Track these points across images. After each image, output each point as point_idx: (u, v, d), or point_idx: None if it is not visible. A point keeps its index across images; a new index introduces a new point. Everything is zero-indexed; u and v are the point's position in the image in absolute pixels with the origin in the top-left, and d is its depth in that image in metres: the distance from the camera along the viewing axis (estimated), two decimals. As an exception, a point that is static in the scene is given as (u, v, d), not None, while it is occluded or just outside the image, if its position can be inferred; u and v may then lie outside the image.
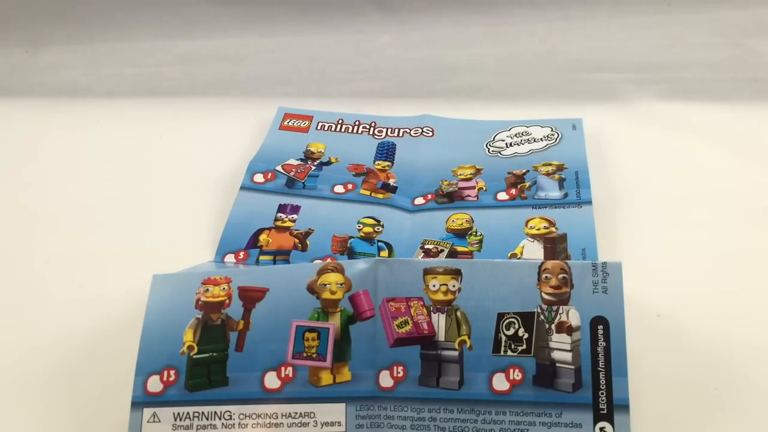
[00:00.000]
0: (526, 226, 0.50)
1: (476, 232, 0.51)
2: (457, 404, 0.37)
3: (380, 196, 0.55)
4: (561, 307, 0.37)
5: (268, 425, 0.37)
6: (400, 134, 0.61)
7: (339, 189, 0.56)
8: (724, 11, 0.73)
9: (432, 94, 0.69)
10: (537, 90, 0.68)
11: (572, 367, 0.36)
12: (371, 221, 0.53)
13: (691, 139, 0.60)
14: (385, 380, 0.38)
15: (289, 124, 0.63)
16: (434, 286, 0.38)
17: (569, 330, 0.37)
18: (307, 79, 0.72)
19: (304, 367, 0.38)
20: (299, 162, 0.58)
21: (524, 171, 0.55)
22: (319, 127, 0.62)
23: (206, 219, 0.55)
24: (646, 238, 0.50)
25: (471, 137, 0.60)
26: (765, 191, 0.54)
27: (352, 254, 0.51)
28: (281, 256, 0.51)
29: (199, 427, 0.38)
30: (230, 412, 0.38)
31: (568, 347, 0.36)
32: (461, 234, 0.51)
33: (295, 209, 0.54)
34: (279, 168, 0.57)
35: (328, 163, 0.58)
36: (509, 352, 0.37)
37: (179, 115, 0.67)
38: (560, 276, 0.37)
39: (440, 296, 0.38)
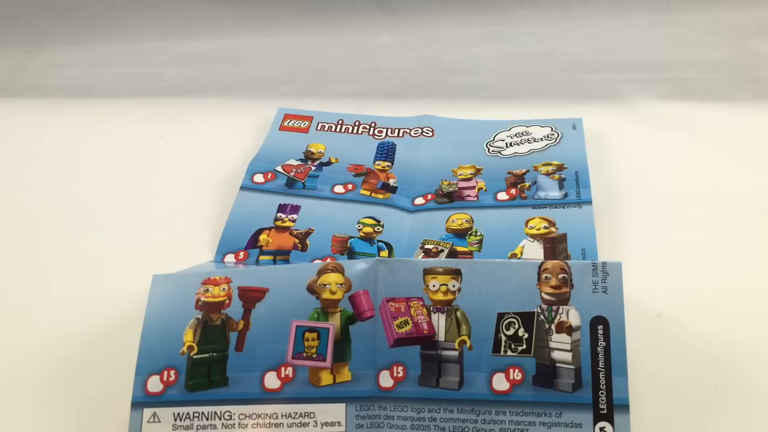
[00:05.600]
0: (526, 226, 0.50)
1: (476, 232, 0.51)
2: (457, 404, 0.37)
3: (380, 196, 0.55)
4: (561, 307, 0.37)
5: (268, 425, 0.38)
6: (400, 134, 0.61)
7: (339, 189, 0.56)
8: (724, 11, 0.73)
9: (432, 94, 0.69)
10: (537, 90, 0.68)
11: (572, 367, 0.36)
12: (371, 221, 0.53)
13: (691, 139, 0.60)
14: (385, 380, 0.38)
15: (289, 124, 0.63)
16: (434, 286, 0.38)
17: (569, 330, 0.37)
18: (307, 79, 0.72)
19: (304, 367, 0.38)
20: (299, 162, 0.58)
21: (524, 171, 0.55)
22: (319, 128, 0.62)
23: (206, 219, 0.55)
24: (646, 238, 0.50)
25: (471, 137, 0.60)
26: (765, 191, 0.54)
27: (352, 254, 0.51)
28: (281, 256, 0.51)
29: (199, 427, 0.38)
30: (230, 412, 0.38)
31: (568, 347, 0.36)
32: (461, 234, 0.51)
33: (295, 209, 0.54)
34: (279, 168, 0.57)
35: (328, 163, 0.58)
36: (509, 352, 0.37)
37: (179, 115, 0.67)
38: (560, 276, 0.37)
39: (440, 296, 0.38)
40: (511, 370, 0.37)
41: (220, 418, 0.38)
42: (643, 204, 0.53)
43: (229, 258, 0.51)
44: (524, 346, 0.37)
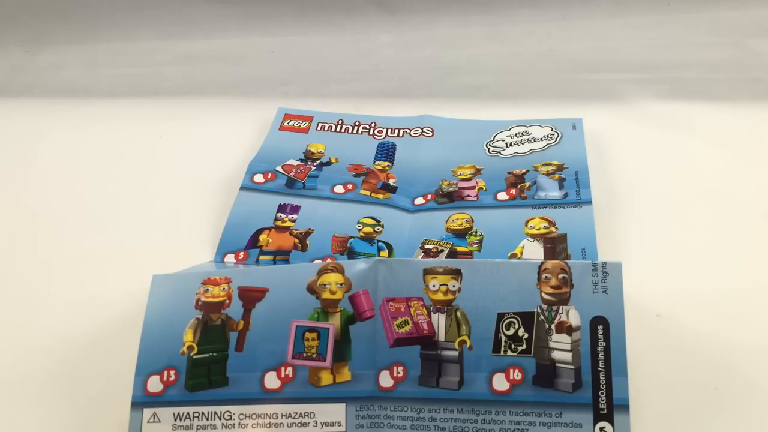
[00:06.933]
0: (526, 226, 0.50)
1: (476, 232, 0.51)
2: (457, 404, 0.37)
3: (380, 196, 0.55)
4: (561, 307, 0.37)
5: (268, 425, 0.38)
6: (400, 134, 0.61)
7: (339, 189, 0.56)
8: (724, 11, 0.73)
9: (432, 94, 0.69)
10: (537, 90, 0.68)
11: (572, 367, 0.36)
12: (371, 221, 0.53)
13: (691, 139, 0.60)
14: (385, 380, 0.38)
15: (289, 124, 0.63)
16: (434, 286, 0.38)
17: (569, 330, 0.37)
18: (307, 79, 0.72)
19: (304, 367, 0.38)
20: (299, 162, 0.58)
21: (524, 171, 0.55)
22: (319, 128, 0.62)
23: (206, 219, 0.55)
24: (646, 238, 0.50)
25: (471, 137, 0.60)
26: (765, 191, 0.54)
27: (352, 254, 0.51)
28: (281, 256, 0.51)
29: (199, 427, 0.38)
30: (230, 412, 0.38)
31: (568, 347, 0.36)
32: (461, 234, 0.51)
33: (295, 209, 0.54)
34: (279, 168, 0.57)
35: (328, 163, 0.58)
36: (509, 352, 0.37)
37: (179, 115, 0.67)
38: (560, 276, 0.37)
39: (440, 296, 0.38)
40: (511, 370, 0.37)
41: (220, 418, 0.38)
42: (643, 204, 0.53)
43: (229, 258, 0.51)
44: (524, 346, 0.37)
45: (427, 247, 0.50)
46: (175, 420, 0.38)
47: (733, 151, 0.58)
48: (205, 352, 0.39)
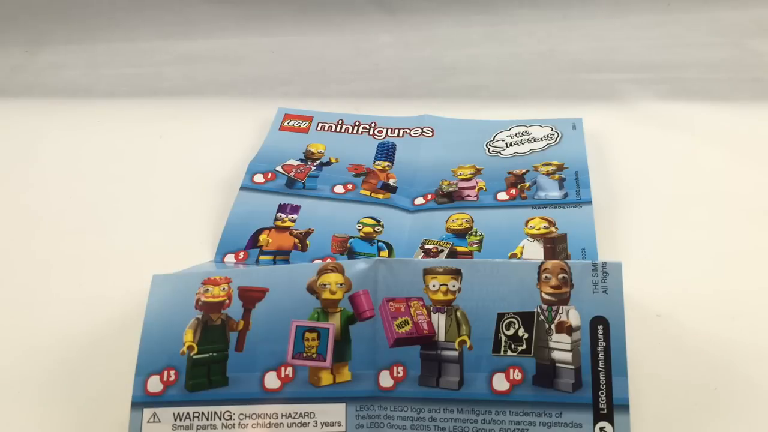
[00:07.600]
0: (526, 226, 0.50)
1: (476, 232, 0.51)
2: (457, 404, 0.37)
3: (380, 196, 0.55)
4: (561, 307, 0.37)
5: (268, 425, 0.38)
6: (400, 134, 0.61)
7: (339, 189, 0.56)
8: (724, 11, 0.73)
9: (432, 94, 0.69)
10: (537, 90, 0.68)
11: (572, 367, 0.36)
12: (371, 221, 0.53)
13: (691, 139, 0.60)
14: (385, 380, 0.38)
15: (289, 124, 0.63)
16: (434, 286, 0.38)
17: (569, 330, 0.37)
18: (307, 79, 0.72)
19: (304, 367, 0.38)
20: (299, 162, 0.58)
21: (524, 171, 0.55)
22: (319, 128, 0.62)
23: (206, 219, 0.55)
24: (646, 238, 0.50)
25: (471, 137, 0.60)
26: (765, 191, 0.54)
27: (352, 254, 0.51)
28: (281, 256, 0.51)
29: (199, 427, 0.38)
30: (230, 412, 0.38)
31: (568, 347, 0.36)
32: (461, 234, 0.51)
33: (295, 209, 0.54)
34: (279, 168, 0.57)
35: (328, 163, 0.58)
36: (509, 352, 0.37)
37: (179, 115, 0.67)
38: (560, 276, 0.37)
39: (440, 296, 0.38)
40: (511, 370, 0.37)
41: (220, 418, 0.38)
42: (643, 204, 0.53)
43: (229, 258, 0.51)
44: (524, 346, 0.37)
45: (427, 247, 0.50)
46: (175, 420, 0.38)
47: (733, 151, 0.58)
48: (205, 352, 0.39)
